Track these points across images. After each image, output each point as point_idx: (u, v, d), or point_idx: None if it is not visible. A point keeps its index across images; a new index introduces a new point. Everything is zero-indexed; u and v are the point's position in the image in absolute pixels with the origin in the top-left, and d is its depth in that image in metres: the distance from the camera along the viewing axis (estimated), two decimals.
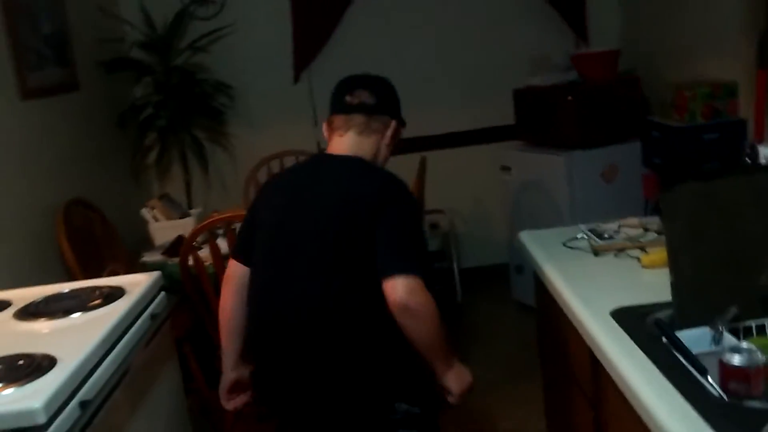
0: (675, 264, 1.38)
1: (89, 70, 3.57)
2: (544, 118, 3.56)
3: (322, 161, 1.90)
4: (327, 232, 1.70)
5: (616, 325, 1.41)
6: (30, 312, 1.78)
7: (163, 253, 2.95)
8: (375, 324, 1.66)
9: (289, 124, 4.20)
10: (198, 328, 2.83)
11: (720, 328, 1.33)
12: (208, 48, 4.01)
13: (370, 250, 1.65)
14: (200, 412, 2.89)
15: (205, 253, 2.63)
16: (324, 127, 1.91)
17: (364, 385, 1.70)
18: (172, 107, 3.92)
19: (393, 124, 1.86)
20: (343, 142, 1.83)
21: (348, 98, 1.84)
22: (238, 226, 2.77)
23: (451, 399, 1.75)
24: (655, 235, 1.86)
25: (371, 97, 1.83)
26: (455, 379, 1.73)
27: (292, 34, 4.12)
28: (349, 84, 1.88)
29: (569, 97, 3.42)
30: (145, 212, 3.23)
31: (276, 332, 1.72)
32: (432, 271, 1.67)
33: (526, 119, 3.72)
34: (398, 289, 1.58)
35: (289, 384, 1.73)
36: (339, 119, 1.85)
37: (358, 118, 1.82)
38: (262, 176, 3.99)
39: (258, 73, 4.18)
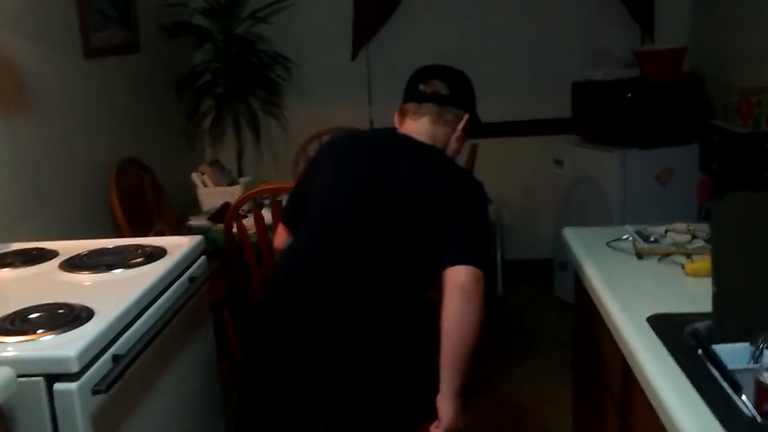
0: (719, 274, 1.34)
1: (151, 33, 3.63)
2: (602, 114, 3.49)
3: (401, 142, 1.81)
4: (394, 228, 1.71)
5: (652, 331, 1.37)
6: (74, 264, 1.82)
7: (208, 218, 3.00)
8: (405, 339, 1.71)
9: (343, 100, 4.21)
10: (237, 294, 2.87)
11: (760, 345, 1.28)
12: (269, 19, 4.03)
13: (430, 253, 1.67)
14: (232, 376, 2.94)
15: (249, 221, 2.66)
16: (395, 116, 1.88)
17: (383, 400, 1.73)
18: (229, 75, 3.96)
19: (466, 117, 1.83)
20: (420, 126, 1.80)
21: (422, 87, 1.81)
22: (284, 197, 2.80)
23: (434, 429, 1.67)
24: (703, 242, 1.81)
25: (446, 88, 1.81)
26: (451, 412, 1.65)
27: (353, 10, 4.10)
28: (424, 73, 1.85)
29: (629, 94, 3.34)
30: (195, 177, 3.28)
31: (298, 322, 1.70)
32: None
33: (583, 113, 3.65)
34: (464, 273, 1.63)
35: (298, 373, 1.70)
36: (411, 107, 1.82)
37: (431, 107, 1.80)
38: (313, 151, 4.01)
39: (316, 47, 4.19)
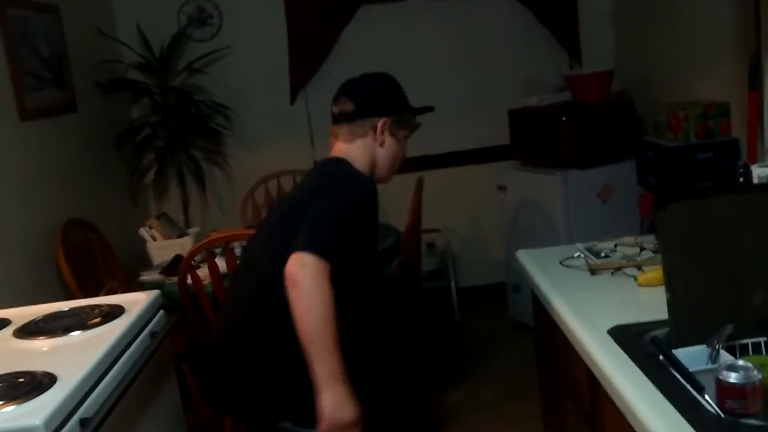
0: (671, 282, 1.40)
1: (87, 91, 3.60)
2: (540, 138, 3.59)
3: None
4: (270, 230, 1.87)
5: (614, 343, 1.42)
6: (29, 330, 1.78)
7: (161, 272, 2.95)
8: (270, 333, 1.73)
9: (286, 144, 4.23)
10: (195, 347, 2.83)
11: (716, 346, 1.34)
12: (205, 69, 4.04)
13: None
14: (198, 430, 2.88)
15: (203, 272, 2.64)
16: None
17: (250, 397, 1.76)
18: (169, 128, 3.95)
19: (380, 123, 1.89)
20: (338, 147, 1.93)
21: (333, 108, 1.95)
22: (236, 245, 2.79)
23: (319, 427, 1.60)
24: (651, 253, 1.87)
25: (350, 104, 1.90)
26: (331, 403, 1.58)
27: (289, 55, 4.15)
28: (337, 92, 1.96)
29: (564, 118, 3.45)
30: (144, 231, 3.23)
31: (217, 334, 1.90)
32: (397, 281, 1.74)
33: (521, 139, 3.75)
34: (289, 262, 1.61)
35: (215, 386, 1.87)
36: (332, 129, 1.96)
37: (343, 127, 1.92)
38: (260, 196, 4.01)
39: (255, 93, 4.22)
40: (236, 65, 4.15)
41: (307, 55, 4.14)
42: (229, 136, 4.19)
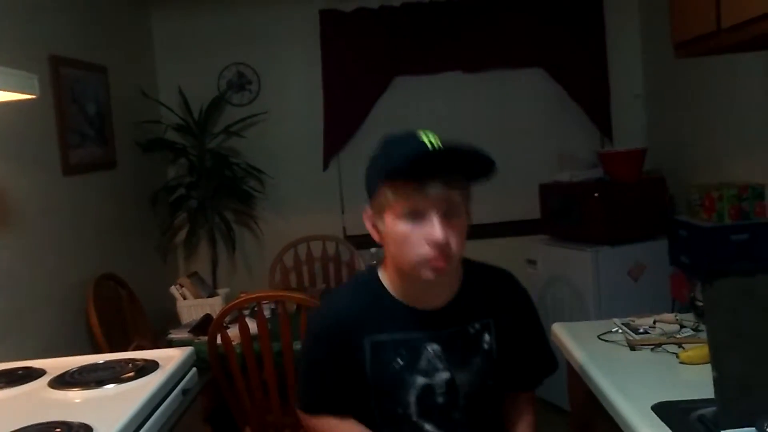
0: (717, 360, 1.37)
1: (127, 149, 3.68)
2: (570, 214, 3.60)
3: None
4: None
5: (659, 419, 1.39)
6: (64, 381, 1.78)
7: (190, 331, 2.96)
8: None
9: (316, 209, 4.27)
10: (221, 409, 2.80)
11: (765, 429, 1.31)
12: (242, 132, 4.13)
13: None
14: None
15: (233, 332, 2.64)
16: None
17: None
18: (203, 188, 4.02)
19: (365, 217, 1.51)
20: None
21: None
22: (266, 306, 2.79)
23: None
24: (691, 331, 1.85)
25: None
26: None
27: (323, 122, 4.23)
28: None
29: (596, 194, 3.47)
30: (174, 290, 3.25)
31: None
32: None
33: (551, 214, 3.76)
34: None
35: None
36: None
37: None
38: (288, 259, 4.04)
39: (289, 158, 4.29)
40: (272, 130, 4.24)
41: (341, 123, 4.23)
42: (261, 199, 4.25)
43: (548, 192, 3.78)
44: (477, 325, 1.53)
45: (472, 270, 1.57)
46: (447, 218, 1.38)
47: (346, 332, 1.49)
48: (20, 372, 1.89)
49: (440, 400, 1.50)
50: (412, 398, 1.49)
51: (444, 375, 1.49)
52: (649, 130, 4.17)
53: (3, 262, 2.45)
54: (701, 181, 3.27)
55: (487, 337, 1.54)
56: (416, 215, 1.37)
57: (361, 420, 1.55)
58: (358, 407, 1.54)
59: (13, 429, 1.46)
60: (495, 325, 1.55)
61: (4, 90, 1.82)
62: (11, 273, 2.51)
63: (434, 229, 1.35)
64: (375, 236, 1.46)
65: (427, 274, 1.39)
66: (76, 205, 3.11)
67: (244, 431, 2.70)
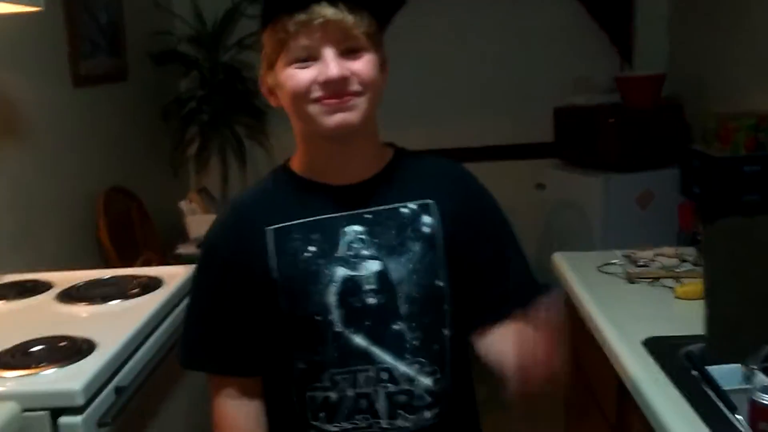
0: (711, 298, 1.38)
1: (138, 60, 3.64)
2: (584, 139, 3.56)
3: None
4: None
5: (647, 354, 1.41)
6: (71, 295, 1.83)
7: (198, 246, 3.00)
8: None
9: None
10: None
11: (752, 367, 1.32)
12: (255, 46, 4.05)
13: None
14: None
15: None
16: None
17: None
18: (215, 103, 3.98)
19: (261, 80, 1.26)
20: None
21: None
22: None
23: None
24: (691, 266, 1.85)
25: None
26: None
27: None
28: None
29: (610, 120, 3.41)
30: (183, 204, 3.29)
31: None
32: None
33: (565, 138, 3.72)
34: None
35: None
36: None
37: None
38: None
39: None
40: None
41: None
42: (273, 114, 4.20)
43: (562, 116, 3.72)
44: (412, 205, 1.17)
45: (404, 153, 1.27)
46: (346, 55, 1.10)
47: (245, 226, 1.18)
48: (28, 284, 1.94)
49: (371, 300, 1.13)
50: (331, 298, 1.13)
51: (373, 265, 1.14)
52: (670, 55, 4.06)
53: (13, 174, 2.47)
54: (719, 111, 3.20)
55: (426, 218, 1.17)
56: (308, 58, 1.10)
57: (276, 367, 1.20)
58: (263, 348, 1.20)
59: (18, 341, 1.50)
60: (438, 209, 1.18)
61: (8, 2, 1.79)
62: (21, 185, 2.53)
63: (326, 65, 1.08)
64: (273, 102, 1.20)
65: (327, 121, 1.10)
66: (87, 117, 3.10)
67: None
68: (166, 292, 1.84)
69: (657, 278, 1.80)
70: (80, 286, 1.89)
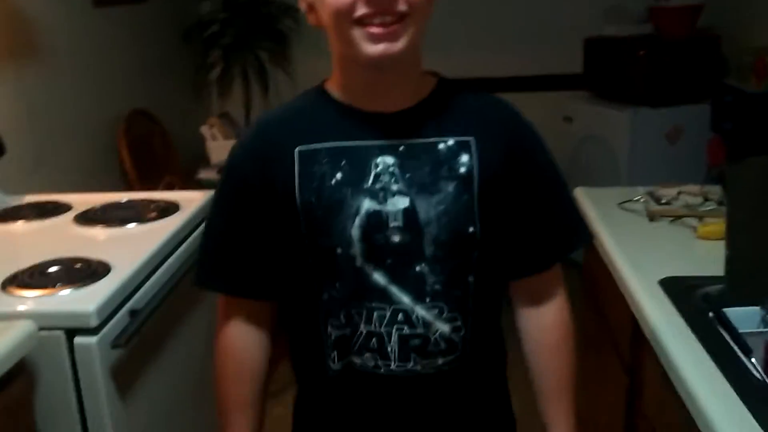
0: (732, 239, 1.35)
1: None
2: (614, 71, 3.46)
3: None
4: None
5: (664, 294, 1.39)
6: (88, 218, 1.84)
7: (218, 171, 3.00)
8: None
9: None
10: None
11: None
12: None
13: None
14: None
15: None
16: None
17: None
18: (237, 26, 3.92)
19: None
20: None
21: None
22: None
23: None
24: (715, 205, 1.80)
25: None
26: None
27: None
28: None
29: (642, 51, 3.31)
30: (205, 129, 3.27)
31: None
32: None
33: (594, 70, 3.62)
34: None
35: None
36: None
37: None
38: None
39: None
40: None
41: None
42: (296, 39, 4.14)
43: (593, 46, 3.61)
44: (450, 141, 1.09)
45: (448, 84, 1.17)
46: None
47: (270, 145, 1.12)
48: (48, 205, 1.95)
49: (396, 239, 1.07)
50: (354, 231, 1.07)
51: (401, 201, 1.07)
52: None
53: (34, 96, 2.47)
54: (758, 44, 3.08)
55: (464, 157, 1.09)
56: None
57: (293, 293, 1.17)
58: (282, 273, 1.16)
59: (35, 262, 1.52)
60: (477, 148, 1.10)
61: None
62: (43, 106, 2.53)
63: None
64: (312, 19, 1.10)
65: (370, 50, 1.01)
66: (108, 38, 3.07)
67: None
68: (183, 216, 1.84)
69: (679, 217, 1.76)
70: (98, 208, 1.90)
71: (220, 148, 3.23)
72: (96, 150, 2.91)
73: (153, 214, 1.84)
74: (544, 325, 1.22)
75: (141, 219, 1.82)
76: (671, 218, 1.76)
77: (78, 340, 1.34)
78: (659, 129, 3.35)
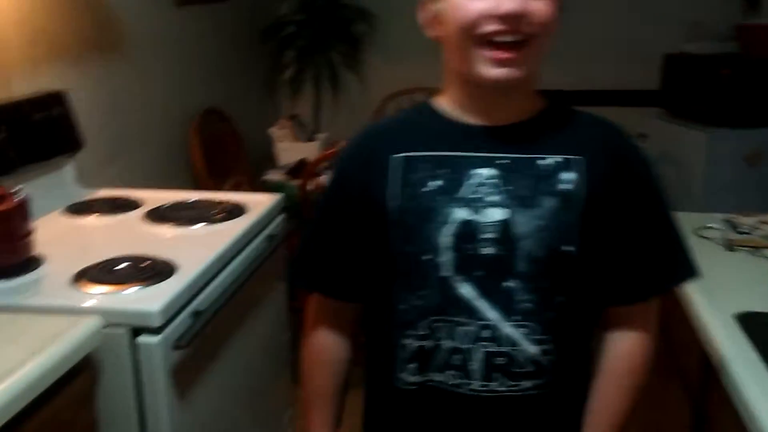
0: None
1: None
2: (693, 89, 3.35)
3: None
4: None
5: (739, 329, 1.32)
6: (157, 216, 1.87)
7: (285, 173, 3.02)
8: None
9: (426, 60, 4.10)
10: None
11: None
12: None
13: None
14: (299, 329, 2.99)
15: (325, 179, 2.67)
16: None
17: None
18: (313, 28, 3.95)
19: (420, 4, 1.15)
20: None
21: None
22: None
23: None
24: None
25: None
26: None
27: None
28: None
29: (725, 70, 3.19)
30: (274, 131, 3.30)
31: None
32: None
33: (673, 87, 3.50)
34: None
35: None
36: None
37: None
38: (392, 109, 3.99)
39: (402, 3, 4.11)
40: None
41: None
42: (370, 44, 4.15)
43: (672, 63, 3.50)
44: (556, 158, 1.07)
45: (558, 104, 1.16)
46: None
47: (372, 150, 1.14)
48: (119, 201, 2.00)
49: (487, 250, 1.04)
50: (444, 239, 1.05)
51: (497, 213, 1.05)
52: None
53: (114, 88, 2.53)
54: None
55: (568, 175, 1.06)
56: None
57: (377, 302, 1.17)
58: (371, 276, 1.16)
59: (105, 257, 1.55)
60: (583, 167, 1.07)
61: None
62: (121, 100, 2.59)
63: None
64: (431, 32, 1.10)
65: (489, 72, 1.01)
66: (188, 36, 3.13)
67: None
68: (250, 219, 1.85)
69: (759, 247, 1.68)
70: (167, 206, 1.93)
71: (288, 150, 3.25)
72: (169, 146, 2.97)
73: (220, 215, 1.86)
74: (618, 351, 1.17)
75: (208, 219, 1.84)
76: (751, 249, 1.69)
77: (141, 339, 1.35)
78: (738, 151, 3.22)
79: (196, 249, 1.64)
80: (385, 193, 1.09)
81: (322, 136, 3.49)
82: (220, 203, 1.95)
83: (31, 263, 1.51)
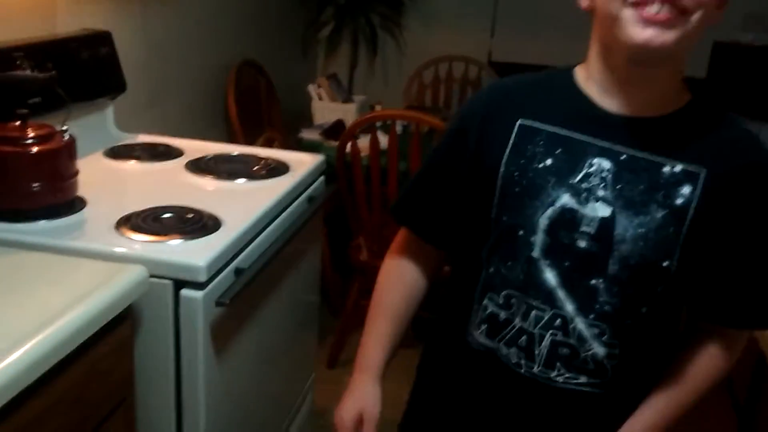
0: None
1: None
2: (743, 81, 3.27)
3: None
4: None
5: None
6: (200, 167, 1.82)
7: (321, 133, 2.97)
8: None
9: (465, 28, 4.06)
10: (338, 213, 2.87)
11: None
12: None
13: None
14: (325, 291, 2.99)
15: (362, 143, 2.62)
16: None
17: None
18: None
19: None
20: None
21: None
22: (398, 123, 2.74)
23: None
24: None
25: None
26: None
27: None
28: None
29: None
30: (312, 89, 3.24)
31: None
32: None
33: (720, 77, 3.42)
34: None
35: None
36: None
37: None
38: (428, 76, 3.93)
39: None
40: None
41: None
42: (411, 8, 4.07)
43: (722, 52, 3.41)
44: (677, 167, 1.00)
45: (703, 102, 1.07)
46: None
47: (495, 109, 1.11)
48: (160, 148, 1.95)
49: (582, 244, 1.02)
50: (543, 220, 1.03)
51: (602, 209, 1.01)
52: None
53: (157, 35, 2.48)
54: None
55: (686, 189, 1.00)
56: None
57: (466, 257, 1.17)
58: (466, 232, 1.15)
59: (146, 205, 1.51)
60: (705, 182, 1.00)
61: None
62: (162, 47, 2.54)
63: None
64: (584, 2, 1.03)
65: (637, 34, 0.93)
66: None
67: (357, 240, 2.77)
68: (293, 179, 1.81)
69: None
70: (209, 158, 1.89)
71: (324, 109, 3.20)
72: (205, 95, 2.93)
73: (263, 172, 1.82)
74: (696, 363, 1.12)
75: (250, 175, 1.80)
76: None
77: (185, 292, 1.32)
78: None
79: (239, 205, 1.60)
80: (502, 156, 1.07)
81: (359, 98, 3.43)
82: (262, 159, 1.91)
83: (75, 204, 1.48)
